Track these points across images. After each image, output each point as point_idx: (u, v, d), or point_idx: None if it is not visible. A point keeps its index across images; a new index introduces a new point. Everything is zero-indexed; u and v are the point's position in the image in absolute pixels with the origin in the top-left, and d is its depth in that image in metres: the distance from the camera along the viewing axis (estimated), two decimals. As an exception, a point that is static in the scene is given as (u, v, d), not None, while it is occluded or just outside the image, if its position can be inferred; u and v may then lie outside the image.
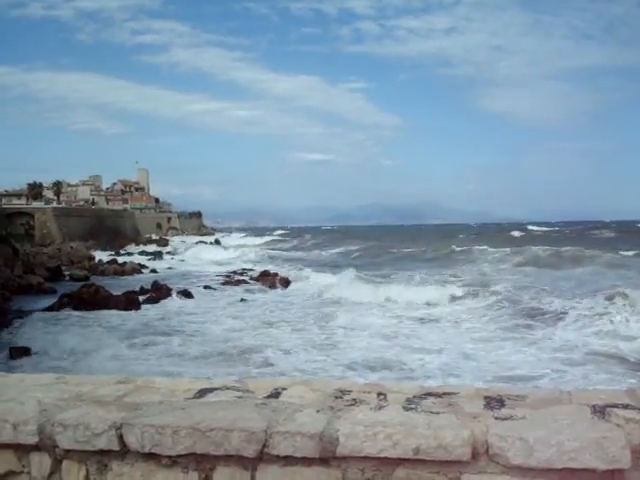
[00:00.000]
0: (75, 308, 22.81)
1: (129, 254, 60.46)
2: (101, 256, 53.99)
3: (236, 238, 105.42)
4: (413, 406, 2.35)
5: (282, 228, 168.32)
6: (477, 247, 51.86)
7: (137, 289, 26.94)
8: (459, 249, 51.29)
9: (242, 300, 25.80)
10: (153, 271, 43.30)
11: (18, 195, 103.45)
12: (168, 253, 63.92)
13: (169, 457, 2.27)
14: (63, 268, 38.96)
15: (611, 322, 17.47)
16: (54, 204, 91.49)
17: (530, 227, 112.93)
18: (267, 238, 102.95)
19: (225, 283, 32.89)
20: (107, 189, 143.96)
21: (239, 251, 64.73)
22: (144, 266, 45.75)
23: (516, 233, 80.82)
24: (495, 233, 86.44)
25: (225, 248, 71.64)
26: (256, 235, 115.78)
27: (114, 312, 22.43)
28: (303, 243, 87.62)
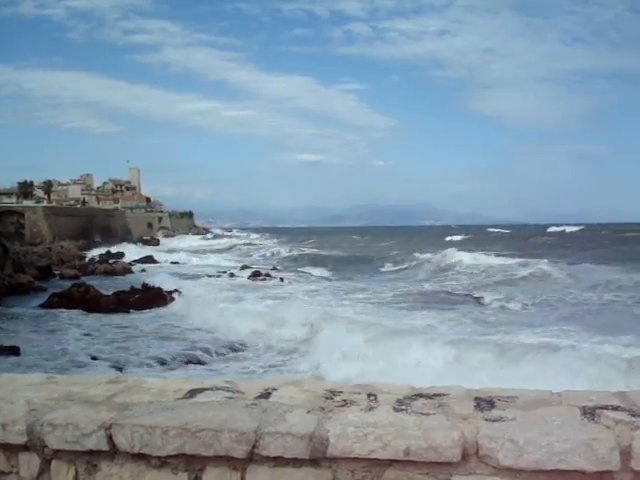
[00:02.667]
0: (65, 307, 22.70)
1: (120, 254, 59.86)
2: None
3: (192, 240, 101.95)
4: (403, 407, 2.35)
5: (273, 229, 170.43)
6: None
7: (127, 289, 26.75)
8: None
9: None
10: (143, 271, 43.22)
11: (8, 194, 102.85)
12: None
13: (158, 457, 2.26)
14: (53, 267, 38.77)
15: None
16: (45, 203, 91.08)
17: (497, 230, 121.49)
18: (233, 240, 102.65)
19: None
20: (98, 188, 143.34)
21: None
22: (133, 264, 45.93)
23: (458, 237, 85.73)
24: (444, 235, 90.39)
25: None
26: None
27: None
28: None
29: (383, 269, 42.95)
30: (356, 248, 68.22)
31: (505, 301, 23.22)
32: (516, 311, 21.27)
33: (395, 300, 24.24)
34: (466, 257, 41.06)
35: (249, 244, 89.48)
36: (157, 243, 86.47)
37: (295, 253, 60.74)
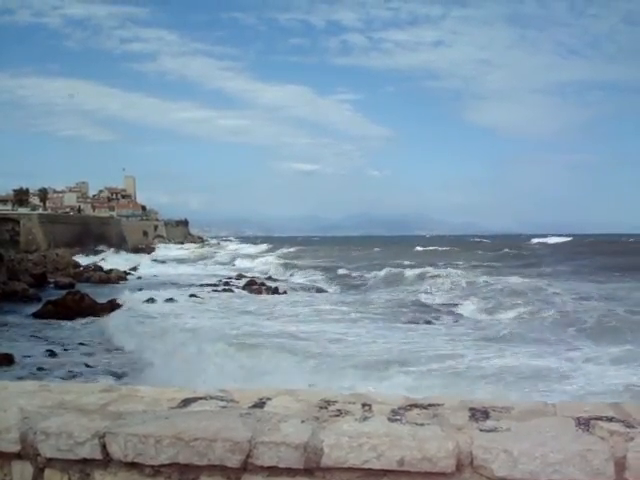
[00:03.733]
0: (59, 316, 22.63)
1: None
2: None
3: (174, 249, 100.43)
4: (398, 417, 2.35)
5: (267, 238, 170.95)
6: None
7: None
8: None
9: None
10: (139, 278, 43.24)
11: (3, 201, 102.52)
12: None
13: (152, 467, 2.25)
14: (48, 275, 38.67)
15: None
16: (40, 210, 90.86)
17: (483, 240, 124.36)
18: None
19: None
20: (94, 196, 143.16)
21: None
22: (129, 273, 45.86)
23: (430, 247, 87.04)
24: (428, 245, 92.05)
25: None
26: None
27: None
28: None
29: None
30: (340, 258, 68.03)
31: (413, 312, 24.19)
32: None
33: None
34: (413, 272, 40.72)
35: (234, 251, 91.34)
36: (151, 251, 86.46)
37: (275, 261, 60.77)
